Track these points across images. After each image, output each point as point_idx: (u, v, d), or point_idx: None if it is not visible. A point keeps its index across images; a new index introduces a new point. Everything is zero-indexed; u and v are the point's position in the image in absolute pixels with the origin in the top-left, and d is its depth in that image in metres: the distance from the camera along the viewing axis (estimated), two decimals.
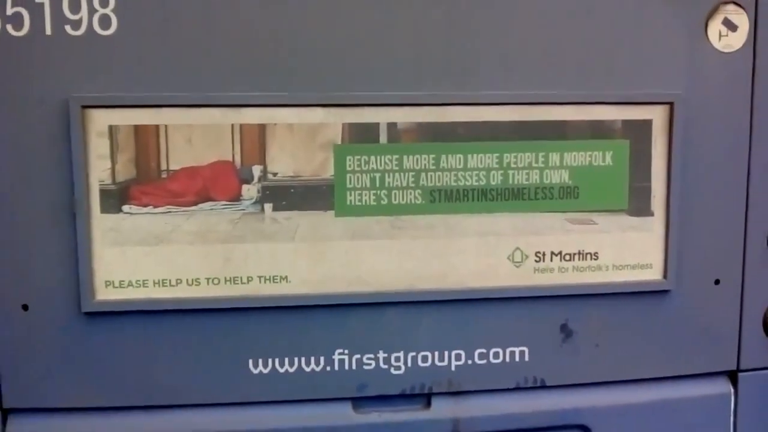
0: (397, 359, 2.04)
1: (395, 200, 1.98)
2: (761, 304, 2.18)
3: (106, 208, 1.87)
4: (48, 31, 1.80)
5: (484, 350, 2.07)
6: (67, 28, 1.80)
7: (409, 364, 2.04)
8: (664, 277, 2.09)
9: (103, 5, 1.80)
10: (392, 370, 2.04)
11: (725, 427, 2.22)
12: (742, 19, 2.04)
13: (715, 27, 2.03)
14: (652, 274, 2.10)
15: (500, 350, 2.07)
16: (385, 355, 2.03)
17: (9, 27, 1.78)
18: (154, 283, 1.92)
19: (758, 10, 2.03)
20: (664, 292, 2.11)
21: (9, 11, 1.77)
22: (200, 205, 1.92)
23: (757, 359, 2.21)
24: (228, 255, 1.93)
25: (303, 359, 2.00)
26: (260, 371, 1.99)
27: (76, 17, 1.80)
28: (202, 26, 1.85)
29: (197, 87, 1.86)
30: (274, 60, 1.88)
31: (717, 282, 2.14)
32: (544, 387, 2.11)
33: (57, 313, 1.91)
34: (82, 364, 1.94)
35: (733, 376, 2.21)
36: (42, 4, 1.78)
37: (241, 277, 1.95)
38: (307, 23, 1.88)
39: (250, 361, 1.98)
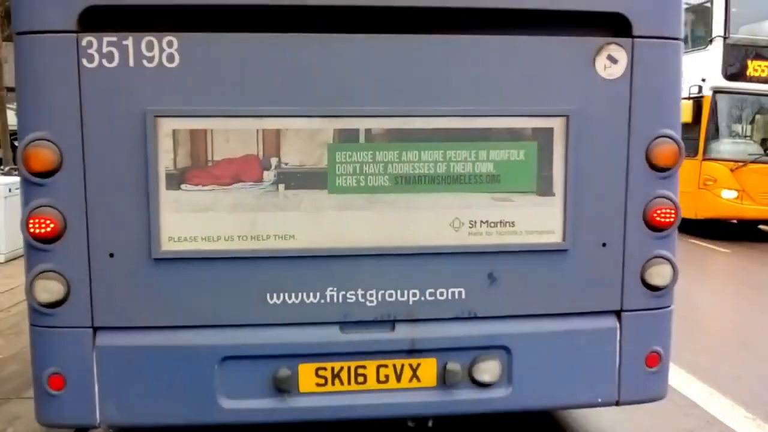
0: (371, 295, 2.70)
1: (370, 183, 2.65)
2: (638, 262, 2.82)
3: (169, 186, 2.56)
4: (131, 63, 2.49)
5: (432, 290, 2.73)
6: (144, 62, 2.49)
7: (380, 299, 2.70)
8: (563, 240, 2.75)
9: (169, 46, 2.50)
10: (367, 303, 2.70)
11: (612, 351, 2.86)
12: (621, 55, 2.71)
13: (601, 61, 2.70)
14: (554, 238, 2.76)
15: (444, 290, 2.73)
16: (362, 292, 2.69)
17: (104, 61, 2.48)
18: (202, 238, 2.60)
19: (634, 48, 2.70)
20: (563, 251, 2.76)
21: (104, 50, 2.48)
22: (234, 185, 2.59)
23: (636, 302, 2.85)
24: (253, 220, 2.61)
25: (304, 294, 2.67)
26: (275, 302, 2.66)
27: (150, 54, 2.49)
28: (237, 63, 2.53)
29: (234, 103, 2.54)
30: (287, 87, 2.56)
31: (604, 245, 2.79)
32: (476, 318, 2.76)
33: (134, 259, 2.58)
34: (151, 295, 2.61)
35: (618, 315, 2.85)
36: (127, 45, 2.48)
37: (262, 235, 2.62)
38: (311, 64, 2.55)
39: (268, 295, 2.66)
